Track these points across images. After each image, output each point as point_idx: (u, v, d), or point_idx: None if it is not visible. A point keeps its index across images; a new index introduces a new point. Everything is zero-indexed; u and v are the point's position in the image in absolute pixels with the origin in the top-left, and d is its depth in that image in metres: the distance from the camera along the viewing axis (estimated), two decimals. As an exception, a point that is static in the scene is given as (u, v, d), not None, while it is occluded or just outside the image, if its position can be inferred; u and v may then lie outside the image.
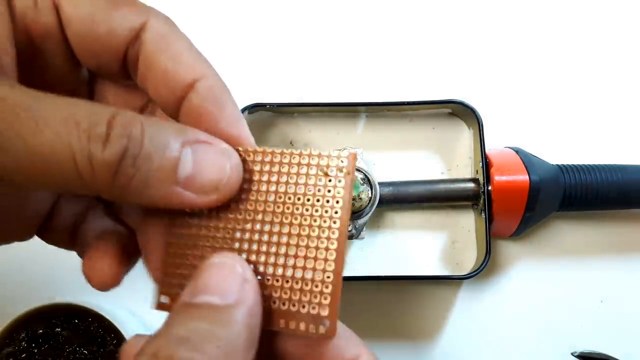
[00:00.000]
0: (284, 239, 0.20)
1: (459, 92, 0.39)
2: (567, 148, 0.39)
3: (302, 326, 0.19)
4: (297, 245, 0.19)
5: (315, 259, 0.19)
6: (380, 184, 0.36)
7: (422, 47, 0.41)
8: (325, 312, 0.19)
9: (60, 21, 0.21)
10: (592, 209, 0.37)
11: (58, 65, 0.22)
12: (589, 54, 0.41)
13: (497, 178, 0.34)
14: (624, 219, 0.39)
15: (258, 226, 0.20)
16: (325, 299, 0.19)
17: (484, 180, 0.35)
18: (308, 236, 0.19)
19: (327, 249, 0.19)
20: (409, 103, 0.37)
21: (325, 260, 0.19)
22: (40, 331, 0.33)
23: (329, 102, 0.37)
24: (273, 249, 0.20)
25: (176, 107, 0.21)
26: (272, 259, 0.20)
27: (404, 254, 0.38)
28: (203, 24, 0.41)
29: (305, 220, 0.19)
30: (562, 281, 0.38)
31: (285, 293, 0.19)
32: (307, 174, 0.20)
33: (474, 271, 0.35)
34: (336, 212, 0.19)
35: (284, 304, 0.19)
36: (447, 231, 0.38)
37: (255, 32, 0.41)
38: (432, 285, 0.38)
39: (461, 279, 0.35)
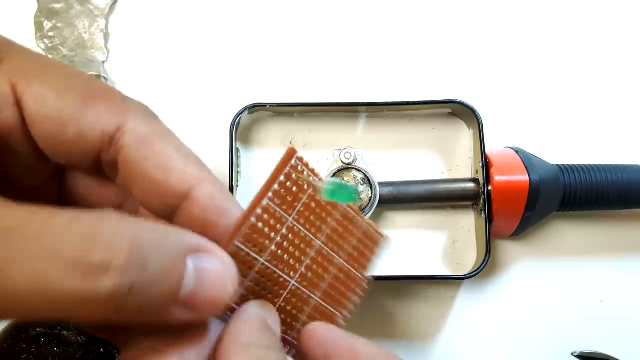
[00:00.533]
0: None
1: (459, 92, 0.39)
2: (567, 148, 0.39)
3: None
4: None
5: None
6: (380, 184, 0.36)
7: (422, 47, 0.41)
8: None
9: (23, 119, 0.18)
10: (592, 209, 0.37)
11: (23, 160, 0.19)
12: (589, 54, 0.41)
13: (497, 178, 0.34)
14: (624, 219, 0.39)
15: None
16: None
17: (484, 180, 0.35)
18: None
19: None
20: (409, 103, 0.37)
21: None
22: (41, 331, 0.33)
23: (329, 102, 0.37)
24: None
25: (169, 214, 0.19)
26: None
27: (404, 254, 0.38)
28: (203, 24, 0.41)
29: None
30: (562, 281, 0.38)
31: None
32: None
33: (474, 271, 0.35)
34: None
35: None
36: (447, 231, 0.38)
37: (255, 32, 0.41)
38: (432, 285, 0.38)
39: (461, 279, 0.35)
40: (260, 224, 0.20)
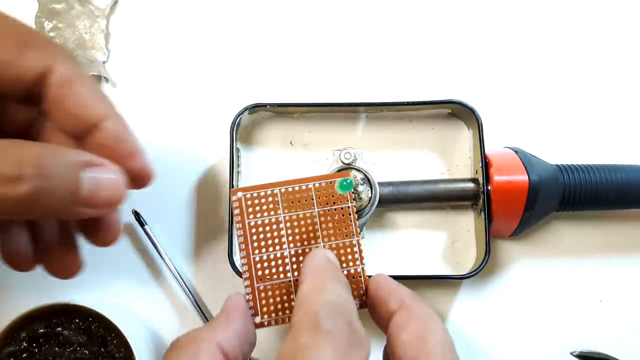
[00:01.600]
0: None
1: (459, 92, 0.39)
2: (567, 148, 0.39)
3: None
4: None
5: None
6: (380, 184, 0.36)
7: (422, 47, 0.41)
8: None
9: None
10: (592, 209, 0.37)
11: None
12: (589, 55, 0.41)
13: (497, 178, 0.34)
14: (623, 219, 0.39)
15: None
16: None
17: (483, 180, 0.35)
18: None
19: None
20: (409, 103, 0.37)
21: None
22: (41, 331, 0.33)
23: (329, 102, 0.37)
24: None
25: (81, 138, 0.25)
26: None
27: (404, 254, 0.38)
28: (204, 25, 0.41)
29: None
30: (561, 281, 0.38)
31: None
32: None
33: (474, 271, 0.35)
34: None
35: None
36: (447, 231, 0.38)
37: (256, 32, 0.41)
38: (432, 285, 0.38)
39: (461, 278, 0.35)
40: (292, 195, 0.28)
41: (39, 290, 0.37)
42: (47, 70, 0.24)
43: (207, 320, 0.37)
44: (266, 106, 0.37)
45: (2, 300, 0.37)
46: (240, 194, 0.28)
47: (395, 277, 0.35)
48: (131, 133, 0.26)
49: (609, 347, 0.37)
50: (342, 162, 0.36)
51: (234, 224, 0.28)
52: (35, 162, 0.22)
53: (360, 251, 0.29)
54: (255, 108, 0.37)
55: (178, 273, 0.37)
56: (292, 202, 0.28)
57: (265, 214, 0.28)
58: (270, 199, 0.28)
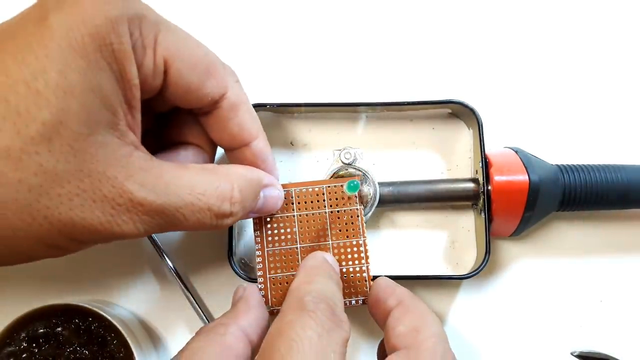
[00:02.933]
0: None
1: (459, 92, 0.39)
2: (567, 148, 0.39)
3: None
4: None
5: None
6: (380, 184, 0.36)
7: (422, 47, 0.41)
8: None
9: (165, 82, 0.27)
10: (592, 209, 0.37)
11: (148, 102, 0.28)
12: (589, 55, 0.41)
13: (497, 178, 0.34)
14: (624, 219, 0.39)
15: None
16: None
17: (483, 180, 0.35)
18: None
19: None
20: (409, 103, 0.37)
21: None
22: (41, 331, 0.33)
23: (329, 102, 0.37)
24: None
25: (233, 150, 0.31)
26: None
27: (404, 254, 0.38)
28: (204, 25, 0.41)
29: None
30: (561, 281, 0.38)
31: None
32: None
33: (474, 271, 0.35)
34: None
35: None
36: (447, 231, 0.38)
37: (256, 32, 0.41)
38: (432, 285, 0.38)
39: (461, 278, 0.35)
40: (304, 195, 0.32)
41: (39, 290, 0.37)
42: (221, 97, 0.29)
43: (208, 321, 0.36)
44: (266, 106, 0.37)
45: (2, 300, 0.37)
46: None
47: (395, 277, 0.35)
48: (270, 151, 0.31)
49: (609, 347, 0.37)
50: (342, 162, 0.36)
51: (252, 219, 0.31)
52: (242, 198, 0.27)
53: (366, 251, 0.31)
54: (255, 108, 0.37)
55: (178, 273, 0.37)
56: (306, 202, 0.31)
57: (280, 211, 0.31)
58: (285, 198, 0.31)
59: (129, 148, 0.24)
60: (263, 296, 0.30)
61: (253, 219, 0.31)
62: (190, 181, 0.26)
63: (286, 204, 0.31)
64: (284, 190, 0.31)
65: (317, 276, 0.28)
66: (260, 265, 0.31)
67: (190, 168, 0.26)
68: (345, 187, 0.31)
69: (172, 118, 0.31)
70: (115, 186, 0.23)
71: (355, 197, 0.32)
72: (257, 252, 0.31)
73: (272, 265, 0.31)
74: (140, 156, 0.24)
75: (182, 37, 0.27)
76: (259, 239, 0.31)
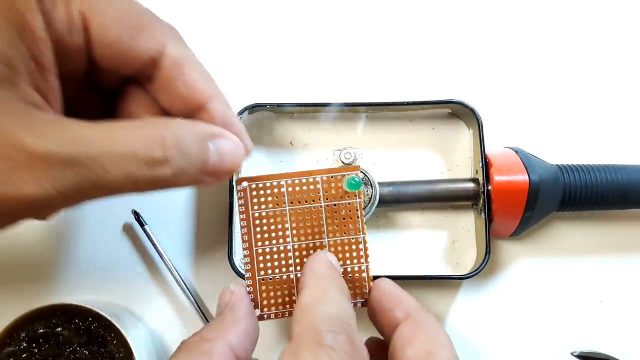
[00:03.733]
0: None
1: (459, 92, 0.39)
2: (567, 148, 0.39)
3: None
4: None
5: None
6: (380, 184, 0.36)
7: (422, 47, 0.41)
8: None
9: (88, 41, 0.23)
10: (592, 209, 0.37)
11: (82, 77, 0.25)
12: (589, 55, 0.41)
13: (497, 178, 0.34)
14: (624, 219, 0.39)
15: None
16: None
17: (483, 180, 0.35)
18: None
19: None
20: (409, 103, 0.37)
21: None
22: (40, 331, 0.33)
23: (329, 102, 0.37)
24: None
25: (188, 117, 0.26)
26: None
27: (404, 254, 0.38)
28: (204, 24, 0.41)
29: None
30: (562, 281, 0.38)
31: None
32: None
33: (474, 271, 0.35)
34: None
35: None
36: (447, 231, 0.38)
37: (256, 32, 0.41)
38: (432, 285, 0.38)
39: (461, 278, 0.35)
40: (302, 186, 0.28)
41: (38, 290, 0.37)
42: (159, 54, 0.25)
43: (207, 321, 0.36)
44: (266, 106, 0.37)
45: (2, 300, 0.37)
46: (245, 183, 0.27)
47: (396, 277, 0.35)
48: (233, 111, 0.27)
49: (609, 347, 0.37)
50: (342, 162, 0.36)
51: (238, 214, 0.28)
52: (177, 142, 0.23)
53: (366, 249, 0.28)
54: (255, 108, 0.37)
55: (178, 273, 0.37)
56: (299, 195, 0.28)
57: (270, 205, 0.28)
58: (275, 190, 0.28)
59: (28, 106, 0.21)
60: (252, 300, 0.27)
61: (240, 215, 0.28)
62: (107, 130, 0.22)
63: (277, 197, 0.27)
64: (274, 182, 0.28)
65: (330, 290, 0.25)
66: (248, 267, 0.27)
67: (111, 123, 0.23)
68: (345, 184, 0.28)
69: (123, 94, 0.28)
70: (8, 138, 0.19)
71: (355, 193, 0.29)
72: (245, 252, 0.28)
73: (261, 266, 0.27)
74: (42, 114, 0.21)
75: None
76: (246, 237, 0.27)
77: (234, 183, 0.38)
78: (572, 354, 0.36)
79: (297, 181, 0.28)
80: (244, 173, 0.38)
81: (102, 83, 0.27)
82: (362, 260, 0.28)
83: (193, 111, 0.26)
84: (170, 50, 0.25)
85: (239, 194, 0.27)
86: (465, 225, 0.38)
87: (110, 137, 0.22)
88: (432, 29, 0.41)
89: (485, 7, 0.41)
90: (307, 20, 0.41)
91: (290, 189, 0.28)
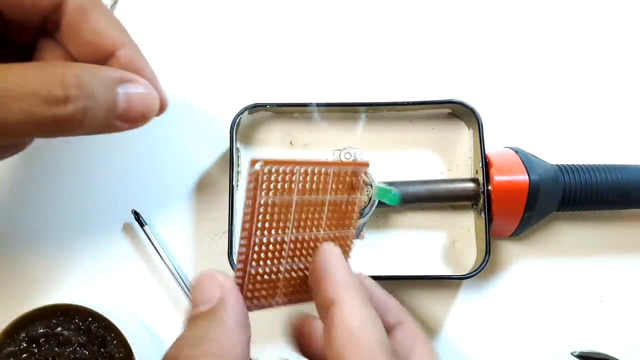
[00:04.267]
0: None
1: (459, 92, 0.39)
2: (567, 148, 0.39)
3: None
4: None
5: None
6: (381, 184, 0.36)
7: (422, 47, 0.41)
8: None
9: None
10: (592, 209, 0.37)
11: None
12: (589, 54, 0.41)
13: (497, 178, 0.34)
14: (624, 219, 0.39)
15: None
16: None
17: (483, 180, 0.35)
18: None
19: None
20: (409, 103, 0.37)
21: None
22: (41, 331, 0.33)
23: (329, 102, 0.37)
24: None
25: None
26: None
27: (404, 254, 0.38)
28: (204, 25, 0.41)
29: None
30: (561, 281, 0.38)
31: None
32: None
33: (474, 271, 0.35)
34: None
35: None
36: (447, 231, 0.38)
37: (255, 32, 0.41)
38: (432, 285, 0.38)
39: (461, 278, 0.35)
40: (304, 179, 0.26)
41: (38, 290, 0.37)
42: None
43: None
44: (266, 106, 0.37)
45: (2, 300, 0.37)
46: (258, 165, 0.24)
47: (396, 278, 0.35)
48: (145, 60, 0.27)
49: (609, 347, 0.37)
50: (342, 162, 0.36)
51: (245, 199, 0.24)
52: (78, 81, 0.23)
53: (352, 243, 0.28)
54: (255, 108, 0.37)
55: (178, 273, 0.37)
56: (308, 186, 0.26)
57: (279, 194, 0.25)
58: (287, 177, 0.25)
59: None
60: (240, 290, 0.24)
61: (247, 200, 0.24)
62: (5, 69, 0.22)
63: (287, 185, 0.25)
64: (287, 168, 0.24)
65: (368, 307, 0.22)
66: (242, 257, 0.24)
67: (10, 64, 0.23)
68: (379, 193, 0.27)
69: (36, 48, 0.28)
70: None
71: (364, 186, 0.27)
72: (242, 241, 0.24)
73: (255, 257, 0.25)
74: None
75: None
76: (247, 225, 0.24)
77: (237, 170, 0.37)
78: (572, 354, 0.36)
79: (309, 170, 0.25)
80: (243, 179, 0.38)
81: (14, 38, 0.27)
82: (348, 254, 0.27)
83: (103, 59, 0.26)
84: None
85: (250, 176, 0.24)
86: (465, 225, 0.38)
87: (9, 76, 0.22)
88: (432, 29, 0.41)
89: (485, 7, 0.41)
90: (307, 21, 0.41)
91: (302, 177, 0.25)
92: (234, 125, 0.36)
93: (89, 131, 0.24)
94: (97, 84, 0.24)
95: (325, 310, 0.22)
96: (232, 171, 0.36)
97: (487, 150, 0.36)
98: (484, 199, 0.35)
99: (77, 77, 0.23)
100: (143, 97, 0.26)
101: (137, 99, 0.26)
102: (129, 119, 0.26)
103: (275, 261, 0.25)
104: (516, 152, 0.36)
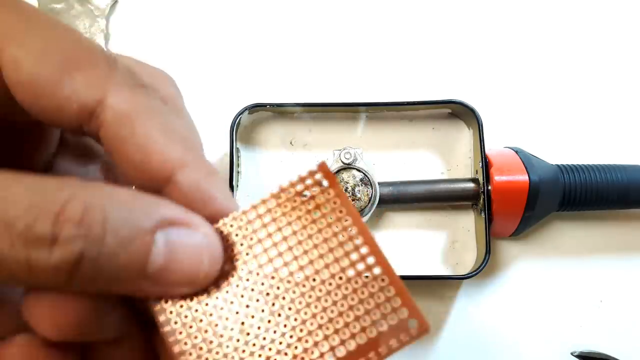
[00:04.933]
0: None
1: (459, 92, 0.39)
2: (567, 148, 0.39)
3: (394, 343, 0.17)
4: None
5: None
6: (380, 184, 0.36)
7: (422, 47, 0.41)
8: (404, 314, 0.17)
9: (5, 86, 0.17)
10: (592, 209, 0.37)
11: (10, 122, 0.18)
12: (589, 54, 0.41)
13: (497, 178, 0.34)
14: (624, 219, 0.39)
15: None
16: (392, 295, 0.17)
17: (483, 180, 0.35)
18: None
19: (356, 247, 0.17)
20: (409, 103, 0.37)
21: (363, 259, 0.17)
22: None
23: (329, 102, 0.37)
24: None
25: (153, 191, 0.18)
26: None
27: (404, 254, 0.38)
28: (204, 25, 0.41)
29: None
30: (561, 281, 0.38)
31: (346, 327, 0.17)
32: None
33: (474, 271, 0.35)
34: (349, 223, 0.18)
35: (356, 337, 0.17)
36: (447, 231, 0.38)
37: (255, 32, 0.41)
38: (432, 285, 0.38)
39: (461, 278, 0.35)
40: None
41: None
42: (97, 104, 0.17)
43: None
44: (266, 106, 0.37)
45: (2, 301, 0.37)
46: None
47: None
48: (218, 182, 0.18)
49: (609, 347, 0.37)
50: (342, 162, 0.36)
51: (328, 210, 0.18)
52: (84, 215, 0.15)
53: None
54: (255, 108, 0.37)
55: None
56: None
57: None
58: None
59: None
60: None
61: (332, 210, 0.18)
62: None
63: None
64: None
65: None
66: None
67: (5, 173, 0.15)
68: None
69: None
70: None
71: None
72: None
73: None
74: None
75: (27, 15, 0.17)
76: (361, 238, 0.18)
77: (237, 171, 0.38)
78: (572, 354, 0.36)
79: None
80: (243, 179, 0.38)
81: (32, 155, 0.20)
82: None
83: (159, 186, 0.17)
84: (114, 98, 0.17)
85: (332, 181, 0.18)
86: (465, 225, 0.38)
87: None
88: (432, 29, 0.41)
89: (485, 7, 0.41)
90: (308, 20, 0.41)
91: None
92: (234, 125, 0.36)
93: (88, 289, 0.16)
94: (121, 224, 0.15)
95: None
96: (232, 171, 0.36)
97: (487, 150, 0.36)
98: (484, 199, 0.35)
99: (84, 209, 0.15)
100: (194, 251, 0.17)
101: (184, 253, 0.17)
102: (163, 281, 0.16)
103: None
104: (516, 152, 0.36)
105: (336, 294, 0.17)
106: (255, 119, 0.39)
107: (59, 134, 0.21)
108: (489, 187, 0.35)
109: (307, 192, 0.18)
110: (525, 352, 0.37)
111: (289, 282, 0.17)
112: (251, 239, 0.18)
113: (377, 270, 0.17)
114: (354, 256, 0.17)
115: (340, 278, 0.17)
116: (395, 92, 0.40)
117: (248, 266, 0.17)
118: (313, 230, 0.18)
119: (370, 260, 0.17)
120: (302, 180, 0.18)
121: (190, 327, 0.17)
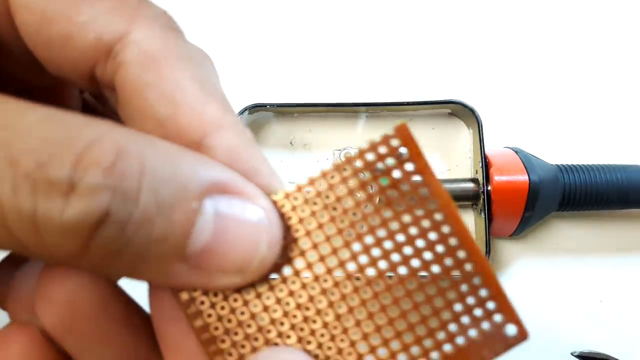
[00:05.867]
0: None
1: (458, 92, 0.39)
2: (567, 148, 0.39)
3: (487, 353, 0.15)
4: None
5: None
6: (380, 184, 0.36)
7: (422, 47, 0.41)
8: (499, 318, 0.15)
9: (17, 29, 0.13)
10: (592, 209, 0.37)
11: (18, 62, 0.15)
12: (589, 54, 0.41)
13: (497, 178, 0.34)
14: (623, 219, 0.39)
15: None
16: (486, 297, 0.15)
17: (483, 180, 0.35)
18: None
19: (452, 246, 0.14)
20: (409, 103, 0.37)
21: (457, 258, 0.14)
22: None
23: (329, 102, 0.37)
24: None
25: None
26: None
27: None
28: (203, 25, 0.41)
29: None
30: (561, 281, 0.38)
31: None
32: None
33: (474, 271, 0.35)
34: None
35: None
36: (447, 231, 0.38)
37: (255, 32, 0.41)
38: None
39: (461, 278, 0.35)
40: None
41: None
42: (118, 39, 0.13)
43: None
44: (266, 106, 0.37)
45: (3, 300, 0.37)
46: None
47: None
48: (260, 156, 0.14)
49: (609, 347, 0.37)
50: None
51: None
52: (116, 160, 0.11)
53: None
54: (255, 108, 0.37)
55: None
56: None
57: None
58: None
59: None
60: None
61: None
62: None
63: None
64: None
65: None
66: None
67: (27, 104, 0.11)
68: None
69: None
70: None
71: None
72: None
73: None
74: None
75: None
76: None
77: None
78: (572, 354, 0.36)
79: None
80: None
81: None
82: None
83: (184, 145, 0.13)
84: (140, 33, 0.13)
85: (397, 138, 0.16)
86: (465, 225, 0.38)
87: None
88: (432, 29, 0.41)
89: (484, 7, 0.41)
90: (308, 20, 0.41)
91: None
92: (234, 125, 0.36)
93: (104, 268, 0.12)
94: (160, 175, 0.11)
95: None
96: (232, 171, 0.36)
97: (487, 150, 0.36)
98: (483, 199, 0.35)
99: (118, 153, 0.11)
100: (251, 229, 0.13)
101: (237, 231, 0.12)
102: (204, 266, 0.12)
103: None
104: (516, 152, 0.36)
105: (418, 295, 0.14)
106: (255, 119, 0.39)
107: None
108: (489, 187, 0.35)
109: (380, 165, 0.15)
110: (525, 352, 0.37)
111: (357, 279, 0.14)
112: (309, 223, 0.14)
113: (468, 267, 0.15)
114: (440, 249, 0.14)
115: (424, 276, 0.14)
116: (395, 92, 0.40)
117: (307, 257, 0.14)
118: (388, 216, 0.14)
119: (461, 254, 0.14)
120: (373, 147, 0.15)
121: (229, 320, 0.13)
